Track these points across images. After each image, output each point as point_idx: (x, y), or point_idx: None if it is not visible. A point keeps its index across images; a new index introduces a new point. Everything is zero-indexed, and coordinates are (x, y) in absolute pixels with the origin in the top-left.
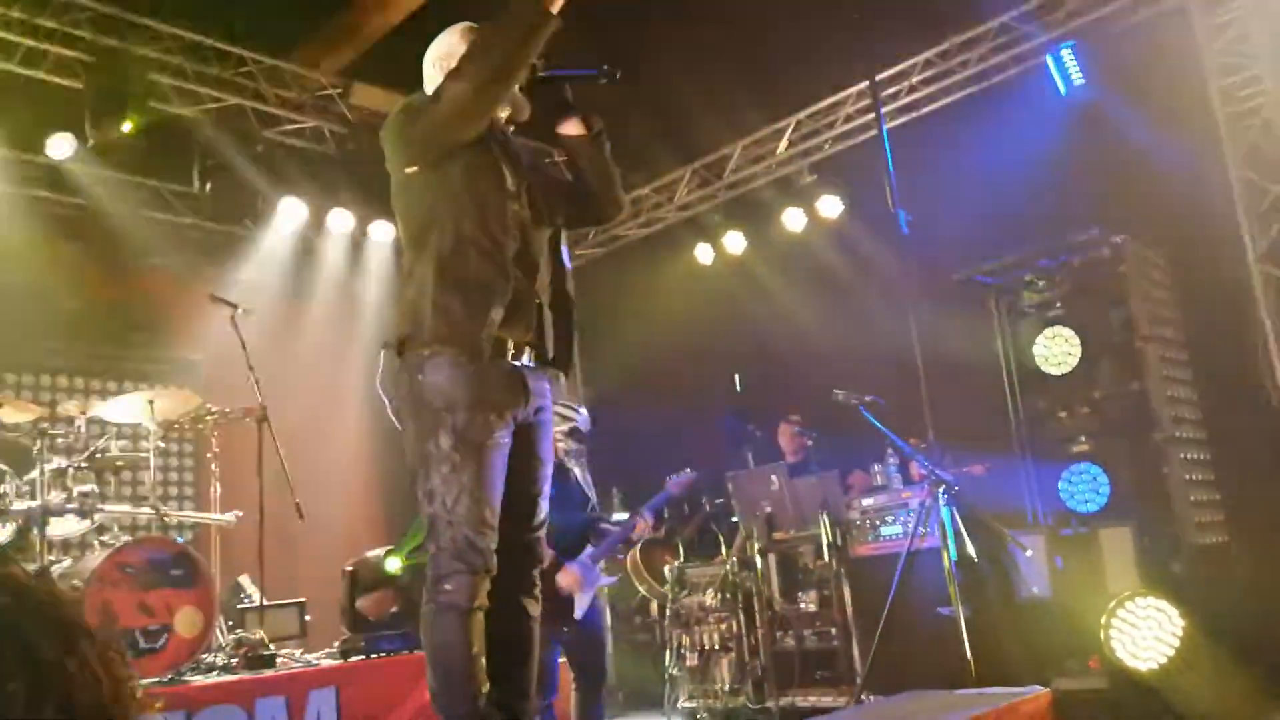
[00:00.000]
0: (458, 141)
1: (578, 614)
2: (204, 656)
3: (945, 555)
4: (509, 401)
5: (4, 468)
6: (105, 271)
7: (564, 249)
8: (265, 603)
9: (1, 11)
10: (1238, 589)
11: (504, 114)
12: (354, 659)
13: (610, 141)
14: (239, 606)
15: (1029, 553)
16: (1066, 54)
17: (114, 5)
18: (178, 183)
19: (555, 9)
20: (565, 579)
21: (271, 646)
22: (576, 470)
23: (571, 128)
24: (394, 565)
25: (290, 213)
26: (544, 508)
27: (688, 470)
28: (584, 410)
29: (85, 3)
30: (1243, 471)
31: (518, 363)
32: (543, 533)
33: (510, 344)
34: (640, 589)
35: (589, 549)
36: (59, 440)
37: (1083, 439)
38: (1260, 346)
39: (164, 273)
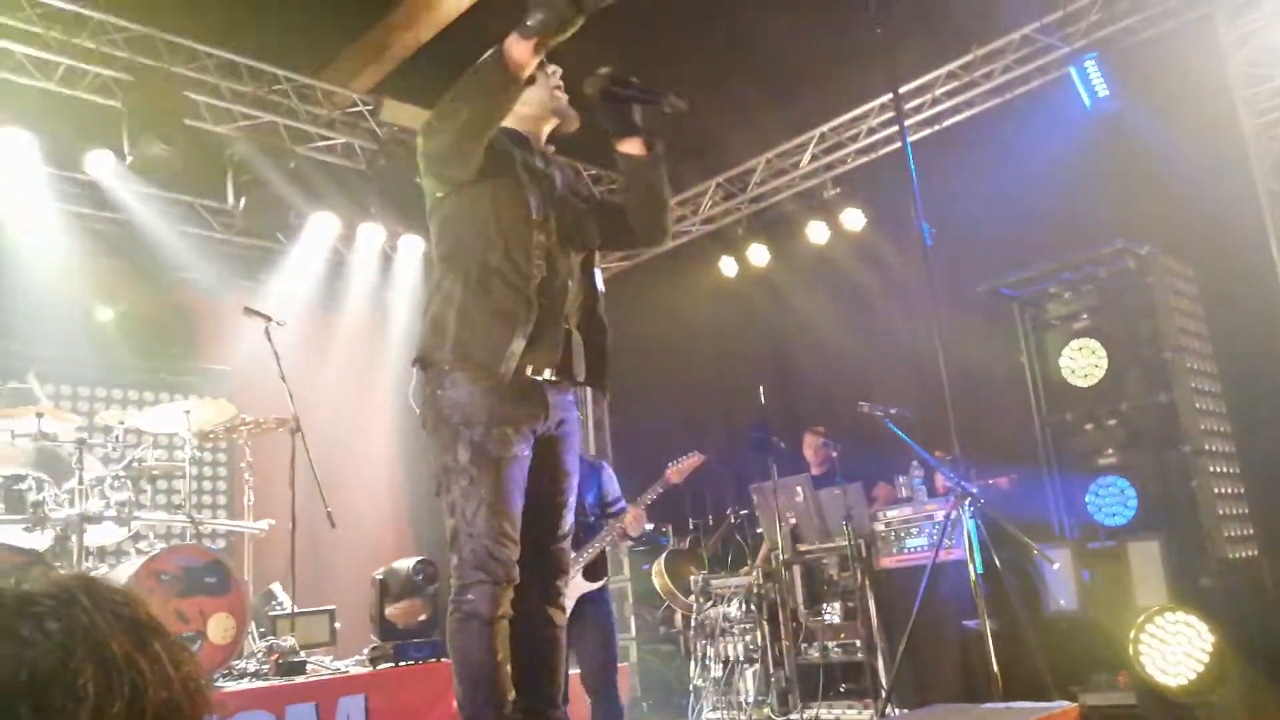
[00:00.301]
0: (459, 175)
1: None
2: (236, 663)
3: (971, 568)
4: (527, 416)
5: (44, 476)
6: (142, 285)
7: (596, 271)
8: (296, 610)
9: (41, 31)
10: (1268, 604)
11: (548, 126)
12: (383, 666)
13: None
14: (270, 614)
15: (1056, 566)
16: (1090, 65)
17: (151, 25)
18: (212, 198)
19: (524, 75)
20: None
21: (302, 653)
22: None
23: (632, 146)
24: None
25: (321, 227)
26: (569, 519)
27: (695, 453)
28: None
29: (122, 23)
30: (1273, 484)
31: (539, 377)
32: (568, 543)
33: (530, 369)
34: (665, 600)
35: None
36: (97, 449)
37: (1110, 451)
38: None
39: (199, 286)
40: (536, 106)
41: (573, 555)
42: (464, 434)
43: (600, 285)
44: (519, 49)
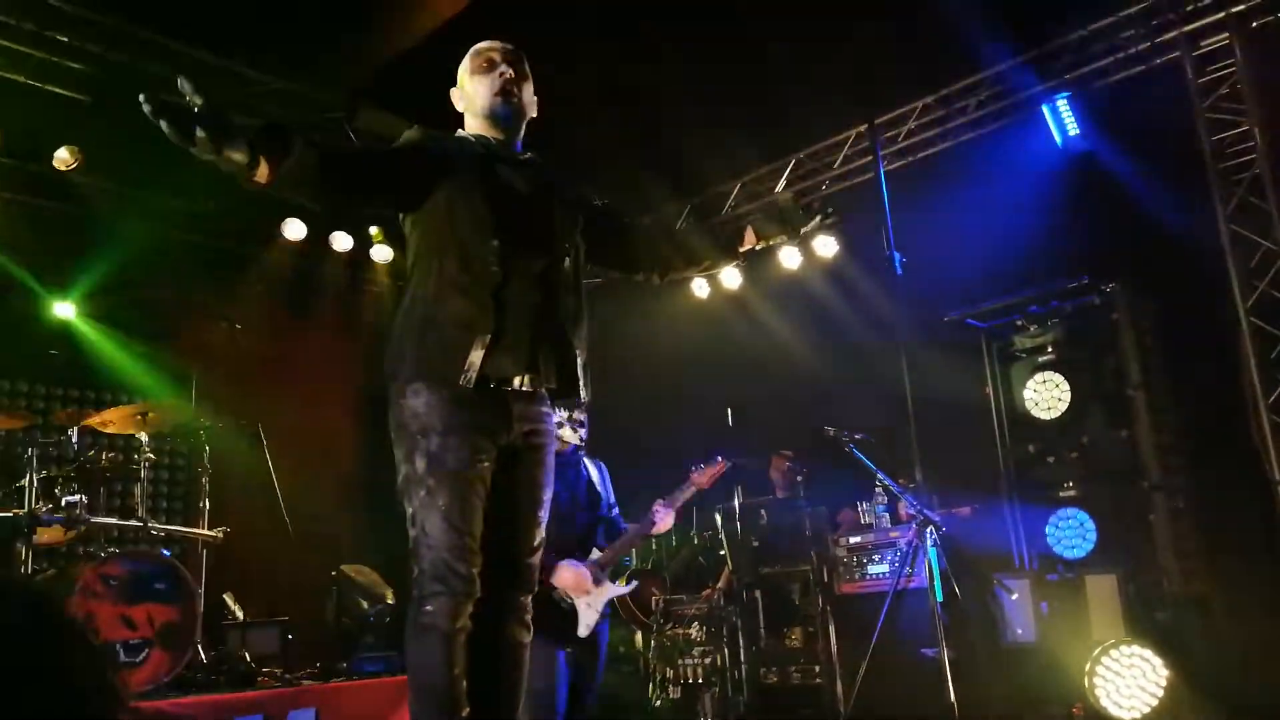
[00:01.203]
0: (370, 210)
1: (582, 630)
2: (184, 673)
3: (931, 596)
4: (487, 426)
5: None
6: (103, 282)
7: (574, 278)
8: (248, 620)
9: (14, 23)
10: (1222, 640)
11: (498, 129)
12: (335, 680)
13: (600, 177)
14: (222, 623)
15: (1014, 596)
16: (1062, 104)
17: (125, 21)
18: (181, 198)
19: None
20: (563, 578)
21: (253, 665)
22: (590, 467)
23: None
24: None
25: (292, 232)
26: (539, 534)
27: (717, 458)
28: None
29: (97, 17)
30: (1229, 521)
31: (508, 386)
32: (537, 559)
33: (494, 380)
34: (626, 619)
35: (597, 552)
36: (50, 449)
37: (1070, 484)
38: (1249, 398)
39: (164, 286)
40: (482, 114)
41: (596, 555)
42: (421, 443)
43: (577, 288)
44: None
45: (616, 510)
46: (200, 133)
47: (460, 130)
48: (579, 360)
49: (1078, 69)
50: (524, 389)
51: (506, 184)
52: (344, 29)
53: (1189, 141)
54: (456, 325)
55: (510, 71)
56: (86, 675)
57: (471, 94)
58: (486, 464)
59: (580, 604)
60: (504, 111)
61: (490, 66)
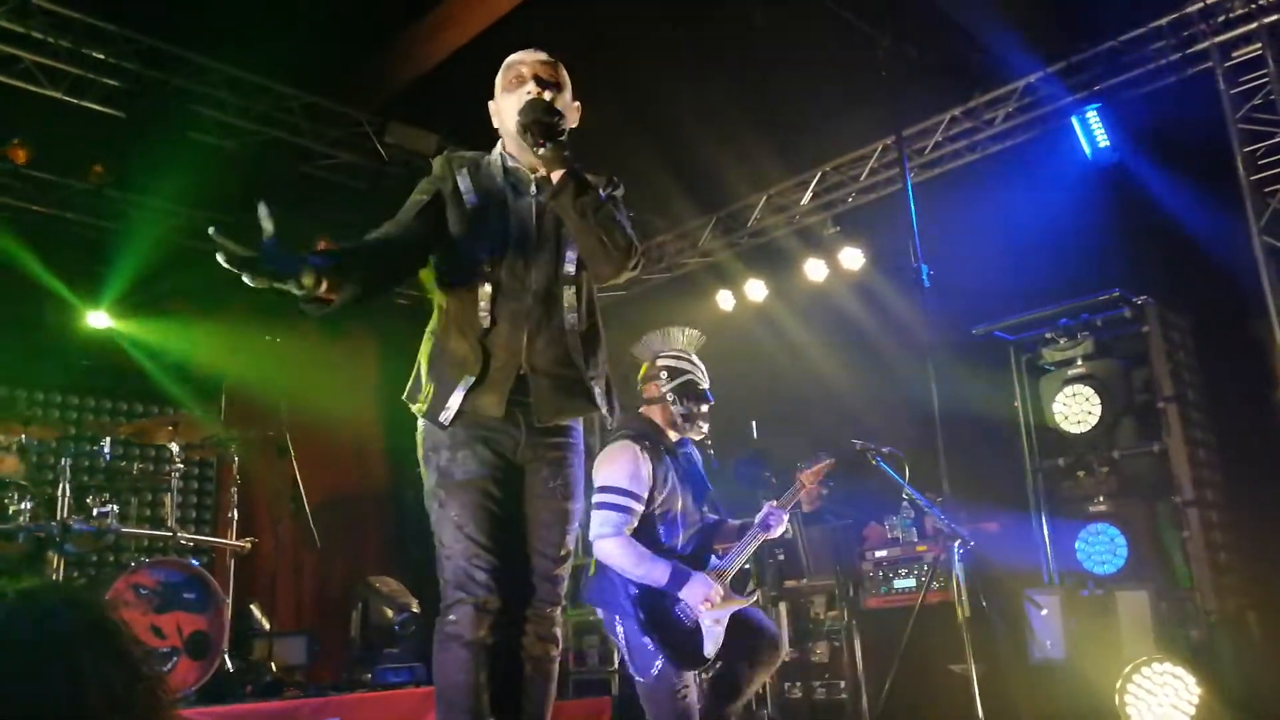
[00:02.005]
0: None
1: (709, 648)
2: (211, 682)
3: (958, 611)
4: (495, 440)
5: (26, 484)
6: (136, 295)
7: (578, 305)
8: (274, 630)
9: (51, 40)
10: (1256, 657)
11: (525, 151)
12: (360, 691)
13: (627, 192)
14: (249, 633)
15: (1044, 612)
16: (1092, 116)
17: (161, 39)
18: (213, 211)
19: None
20: (693, 593)
21: (279, 675)
22: (698, 460)
23: (553, 178)
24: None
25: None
26: (565, 544)
27: (824, 455)
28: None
29: (133, 35)
30: (1263, 537)
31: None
32: (564, 570)
33: (473, 418)
34: None
35: (713, 561)
36: (82, 459)
37: (1101, 499)
38: None
39: (194, 298)
40: (511, 137)
41: (716, 563)
42: (431, 460)
43: (577, 321)
44: None
45: (717, 509)
46: (252, 281)
47: (496, 148)
48: (596, 389)
49: (1108, 80)
50: (509, 423)
51: (517, 218)
52: (374, 44)
53: (1221, 153)
54: (453, 364)
55: (538, 88)
56: (126, 679)
57: (502, 111)
58: (497, 476)
59: (706, 620)
60: (520, 137)
61: (519, 82)
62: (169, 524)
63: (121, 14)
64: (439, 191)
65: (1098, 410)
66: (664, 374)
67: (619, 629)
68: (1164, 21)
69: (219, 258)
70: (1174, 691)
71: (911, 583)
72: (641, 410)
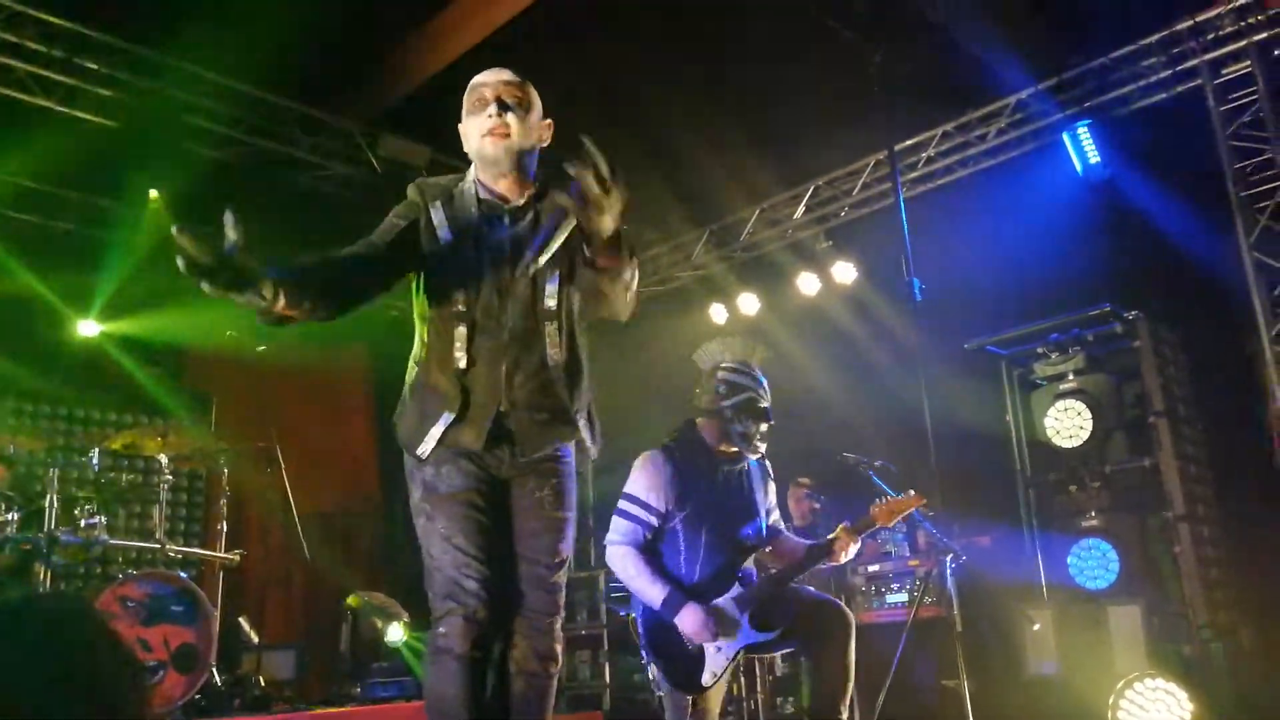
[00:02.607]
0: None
1: (706, 677)
2: (199, 696)
3: (951, 625)
4: (478, 455)
5: (12, 495)
6: (124, 304)
7: (559, 339)
8: (263, 644)
9: (44, 49)
10: (1248, 673)
11: (495, 174)
12: (349, 705)
13: (629, 216)
14: (238, 646)
15: (1036, 627)
16: (1083, 132)
17: (154, 49)
18: (203, 222)
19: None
20: (686, 622)
21: (268, 689)
22: (756, 476)
23: (606, 262)
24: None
25: None
26: (560, 552)
27: (912, 492)
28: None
29: (126, 45)
30: (1255, 552)
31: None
32: (557, 578)
33: (451, 450)
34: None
35: (735, 588)
36: (70, 470)
37: (1093, 514)
38: (1273, 426)
39: (184, 308)
40: (477, 159)
41: (738, 590)
42: (416, 475)
43: (557, 354)
44: None
45: (761, 532)
46: (210, 290)
47: (469, 175)
48: (580, 420)
49: (1098, 96)
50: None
51: (491, 254)
52: (368, 57)
53: (1211, 169)
54: (434, 397)
55: (497, 111)
56: (115, 686)
57: (468, 135)
58: (483, 489)
59: (709, 647)
60: (492, 153)
61: (481, 105)
62: (157, 536)
63: (115, 24)
64: (415, 220)
65: (1089, 425)
66: (723, 387)
67: (641, 642)
68: (1154, 39)
69: (178, 262)
70: (1166, 707)
71: (904, 597)
72: (695, 420)
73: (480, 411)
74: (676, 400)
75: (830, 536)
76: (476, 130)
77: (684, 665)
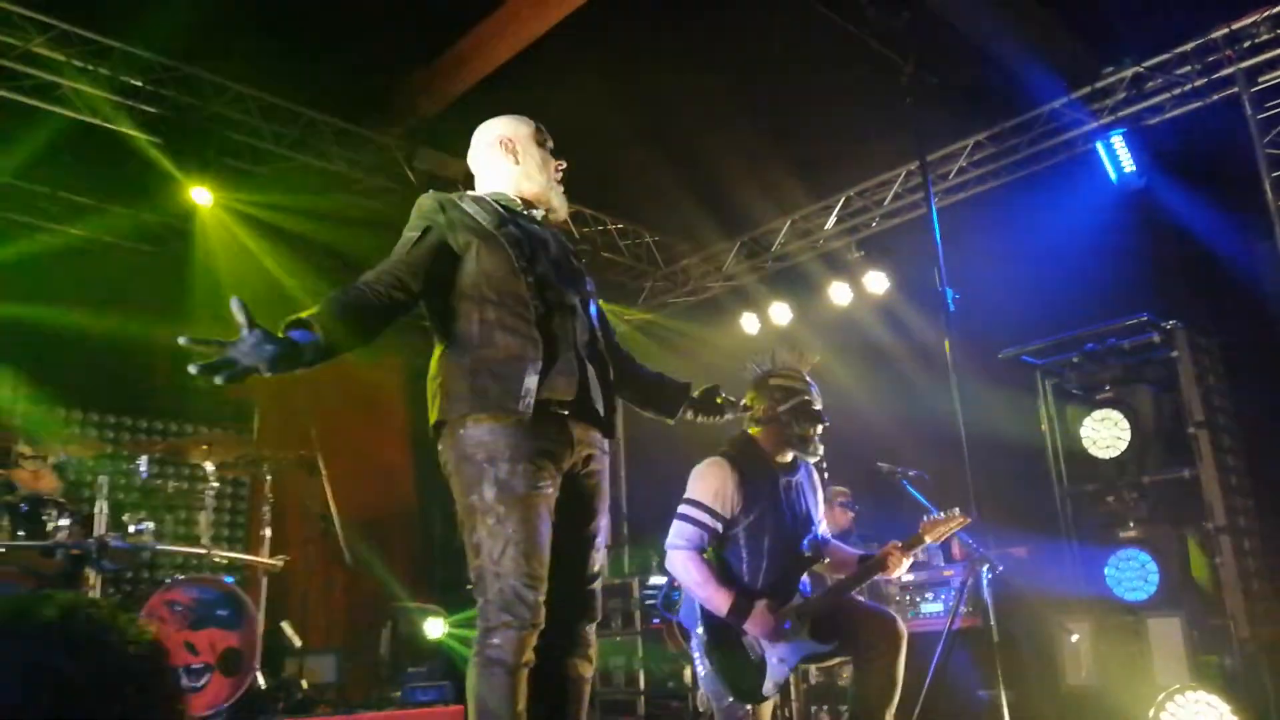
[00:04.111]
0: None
1: (768, 687)
2: (243, 699)
3: (987, 636)
4: (553, 452)
5: (63, 502)
6: (171, 316)
7: (593, 313)
8: (306, 648)
9: (91, 67)
10: None
11: (542, 206)
12: (389, 709)
13: (654, 216)
14: (281, 650)
15: (1075, 638)
16: (1117, 141)
17: (196, 66)
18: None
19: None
20: (757, 625)
21: (310, 692)
22: (807, 486)
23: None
24: (436, 630)
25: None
26: (598, 560)
27: (957, 511)
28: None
29: (168, 62)
30: None
31: (563, 411)
32: (597, 585)
33: (552, 406)
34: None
35: (796, 599)
36: (119, 477)
37: (1131, 525)
38: None
39: (227, 320)
40: (538, 184)
41: (797, 600)
42: (489, 471)
43: (598, 324)
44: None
45: (821, 540)
46: (228, 379)
47: (471, 193)
48: (612, 389)
49: (1132, 105)
50: (579, 413)
51: (528, 232)
52: (405, 72)
53: (1248, 177)
54: (507, 359)
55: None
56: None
57: (532, 162)
58: (552, 490)
59: (771, 657)
60: (556, 196)
61: (545, 145)
62: (203, 541)
63: (157, 41)
64: (431, 226)
65: (1127, 435)
66: (778, 394)
67: (694, 650)
68: (1189, 47)
69: (190, 369)
70: None
71: (939, 607)
72: (750, 431)
73: (564, 359)
74: None
75: (882, 552)
76: (545, 169)
77: (747, 675)
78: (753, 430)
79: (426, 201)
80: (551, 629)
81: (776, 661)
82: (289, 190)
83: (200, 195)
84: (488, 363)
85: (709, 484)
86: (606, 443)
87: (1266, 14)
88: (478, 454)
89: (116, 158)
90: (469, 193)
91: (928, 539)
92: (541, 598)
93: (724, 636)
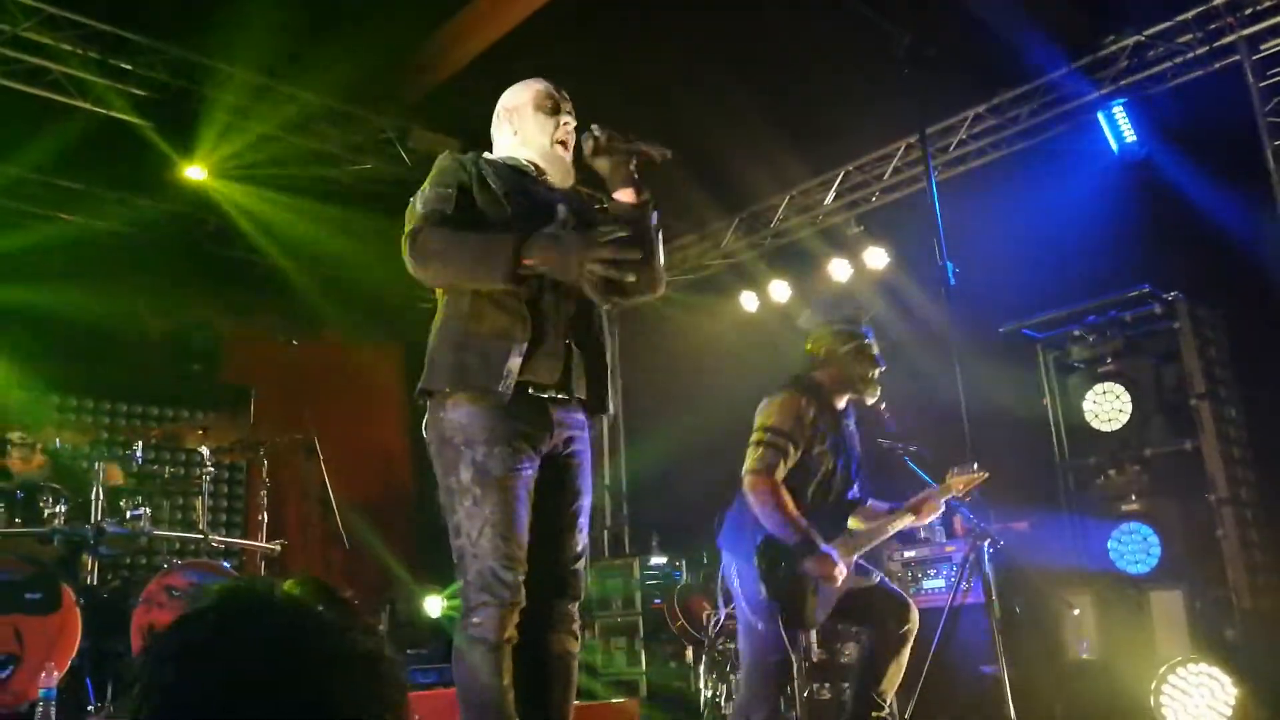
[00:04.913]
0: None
1: (820, 613)
2: None
3: (989, 611)
4: (531, 434)
5: (60, 488)
6: (165, 302)
7: (597, 301)
8: None
9: (80, 51)
10: None
11: (550, 166)
12: None
13: (660, 210)
14: None
15: (1076, 612)
16: (1118, 111)
17: (187, 49)
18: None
19: (520, 275)
20: (824, 563)
21: None
22: (855, 437)
23: (626, 195)
24: (436, 608)
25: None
26: (581, 540)
27: (975, 466)
28: None
29: (160, 45)
30: None
31: (542, 395)
32: (581, 565)
33: (531, 387)
34: (677, 634)
35: (842, 537)
36: (114, 463)
37: (1133, 497)
38: None
39: (221, 304)
40: (535, 150)
41: (849, 539)
42: (466, 454)
43: (599, 304)
44: (513, 267)
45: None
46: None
47: (488, 154)
48: (609, 372)
49: (1134, 75)
50: (560, 395)
51: (537, 202)
52: (397, 52)
53: (1250, 146)
54: (494, 336)
55: (573, 123)
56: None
57: (530, 128)
58: (530, 472)
59: (824, 590)
60: (559, 156)
61: (555, 110)
62: (200, 527)
63: (149, 24)
64: (461, 183)
65: (1128, 408)
66: (839, 337)
67: (736, 576)
68: (1190, 15)
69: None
70: (1210, 692)
71: (941, 583)
72: (811, 373)
73: (552, 342)
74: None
75: (919, 498)
76: (547, 131)
77: (799, 600)
78: (813, 372)
79: (447, 161)
80: (535, 608)
81: (830, 591)
82: (283, 169)
83: (195, 173)
84: (475, 337)
85: (788, 412)
86: (588, 424)
87: None
88: (455, 437)
89: (109, 142)
90: (485, 155)
91: (954, 490)
92: (520, 577)
93: (780, 565)
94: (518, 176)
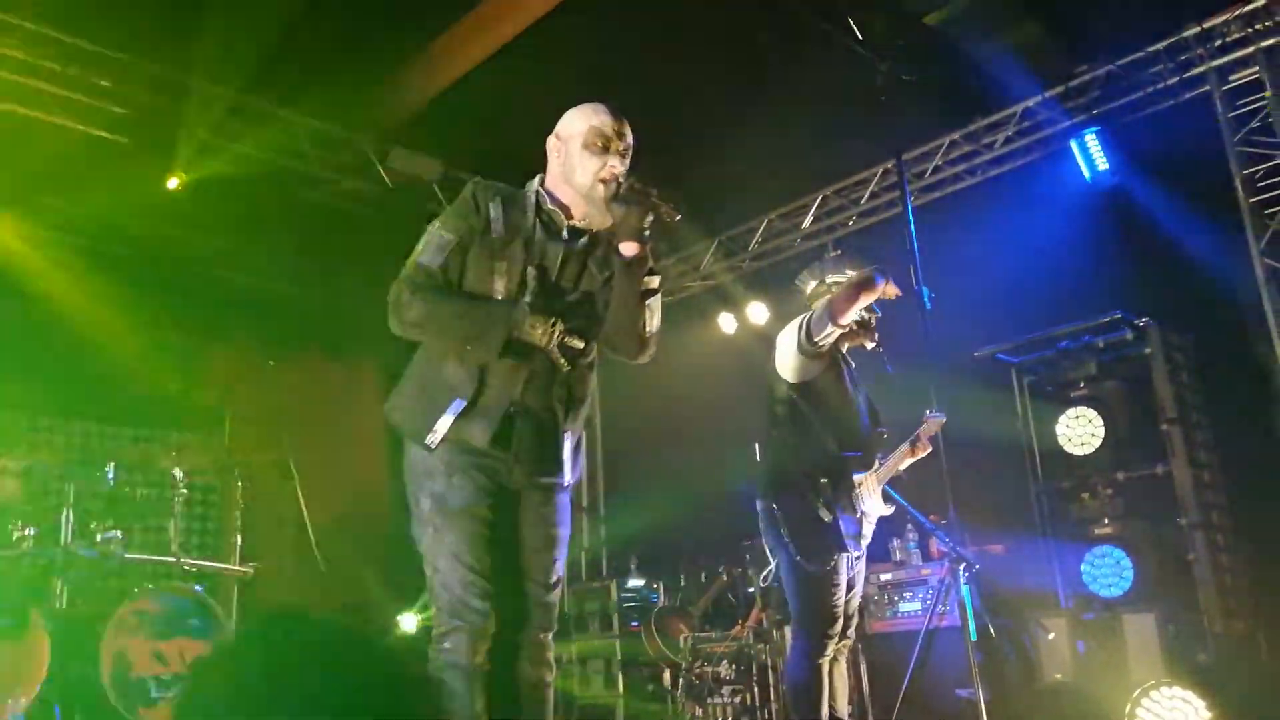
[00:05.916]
0: None
1: (849, 544)
2: None
3: (965, 635)
4: (490, 467)
5: (29, 509)
6: (139, 321)
7: (581, 363)
8: None
9: (59, 69)
10: (1266, 680)
11: (583, 210)
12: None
13: (653, 279)
14: None
15: (1051, 636)
16: (1091, 139)
17: (167, 65)
18: (215, 236)
19: (515, 334)
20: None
21: None
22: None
23: (627, 249)
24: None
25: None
26: (557, 571)
27: (938, 412)
28: None
29: (137, 61)
30: (1270, 559)
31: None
32: (554, 596)
33: (456, 444)
34: (654, 658)
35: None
36: (86, 485)
37: (1106, 521)
38: None
39: (198, 323)
40: (577, 188)
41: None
42: (425, 485)
43: (575, 378)
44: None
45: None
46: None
47: (533, 184)
48: (567, 443)
49: (1106, 104)
50: (498, 455)
51: (542, 258)
52: (378, 73)
53: (1220, 174)
54: (442, 389)
55: (620, 167)
56: None
57: (572, 165)
58: (491, 502)
59: (844, 517)
60: (591, 210)
61: (602, 146)
62: (173, 549)
63: (127, 42)
64: (469, 228)
65: (1101, 432)
66: (835, 288)
67: (780, 518)
68: (1161, 46)
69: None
70: (1183, 715)
71: (917, 606)
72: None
73: (492, 408)
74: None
75: (911, 438)
76: (592, 169)
77: (825, 537)
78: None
79: (467, 194)
80: (509, 637)
81: (848, 520)
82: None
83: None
84: (430, 385)
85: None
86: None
87: (1237, 13)
88: (418, 468)
89: (86, 158)
90: (517, 190)
91: (932, 430)
92: (487, 604)
93: (798, 505)
94: (533, 221)
